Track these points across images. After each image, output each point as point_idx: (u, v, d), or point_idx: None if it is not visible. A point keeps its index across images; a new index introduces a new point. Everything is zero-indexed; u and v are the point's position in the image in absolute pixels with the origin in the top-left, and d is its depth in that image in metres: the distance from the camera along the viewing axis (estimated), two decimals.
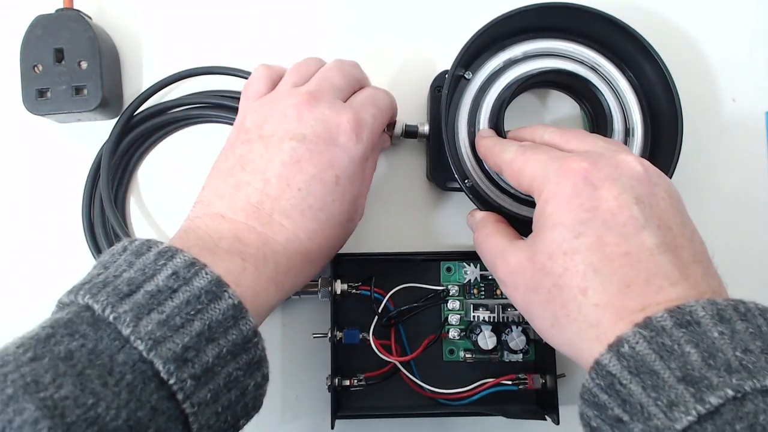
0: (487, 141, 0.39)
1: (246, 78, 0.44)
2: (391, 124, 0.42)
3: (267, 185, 0.33)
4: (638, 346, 0.26)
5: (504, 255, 0.33)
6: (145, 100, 0.45)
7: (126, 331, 0.25)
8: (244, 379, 0.28)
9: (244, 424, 0.30)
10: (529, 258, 0.31)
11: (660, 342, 0.26)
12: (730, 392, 0.23)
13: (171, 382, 0.25)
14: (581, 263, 0.29)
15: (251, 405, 0.29)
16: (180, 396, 0.25)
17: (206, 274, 0.28)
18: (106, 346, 0.25)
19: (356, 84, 0.39)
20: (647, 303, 0.27)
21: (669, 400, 0.24)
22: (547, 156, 0.32)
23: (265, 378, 0.30)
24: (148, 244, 0.29)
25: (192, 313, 0.27)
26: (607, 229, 0.29)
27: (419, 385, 0.41)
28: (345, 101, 0.37)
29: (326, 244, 0.35)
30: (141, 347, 0.25)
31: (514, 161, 0.34)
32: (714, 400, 0.23)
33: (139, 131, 0.45)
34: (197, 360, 0.26)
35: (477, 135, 0.40)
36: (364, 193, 0.38)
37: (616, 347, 0.27)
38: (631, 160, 0.31)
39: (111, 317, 0.26)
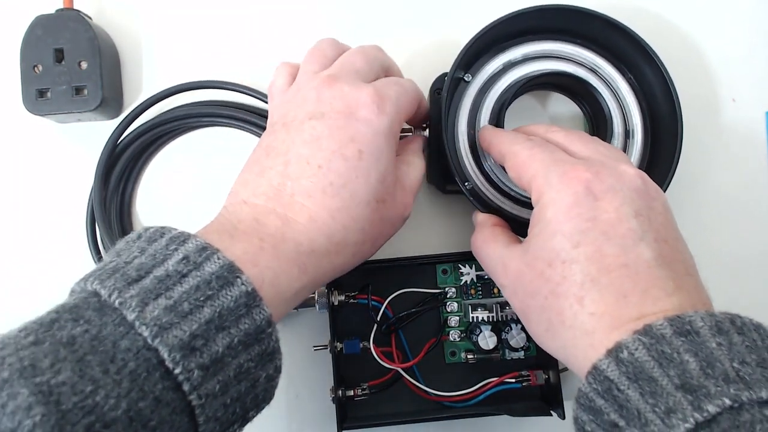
0: (494, 130, 0.39)
1: (246, 93, 0.45)
2: (419, 120, 0.41)
3: (288, 166, 0.32)
4: (637, 352, 0.26)
5: (503, 261, 0.34)
6: (135, 119, 0.45)
7: (131, 317, 0.24)
8: (256, 371, 0.27)
9: (253, 416, 0.29)
10: (528, 264, 0.32)
11: (659, 349, 0.26)
12: (728, 401, 0.23)
13: (177, 371, 0.24)
14: (579, 273, 0.29)
15: (261, 397, 0.28)
16: (186, 387, 0.24)
17: (218, 258, 0.27)
18: (109, 332, 0.24)
19: (380, 68, 0.37)
20: (644, 312, 0.28)
21: (667, 407, 0.24)
22: (551, 158, 0.32)
23: (278, 370, 0.29)
24: (162, 231, 0.28)
25: (202, 299, 0.25)
26: (606, 240, 0.29)
27: (423, 389, 0.41)
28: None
29: (354, 225, 0.32)
30: (146, 333, 0.24)
31: (519, 153, 0.34)
32: (712, 409, 0.23)
33: (141, 140, 0.45)
34: (206, 349, 0.25)
35: (481, 128, 0.40)
36: (407, 183, 0.36)
37: (615, 353, 0.27)
38: (632, 173, 0.31)
39: (117, 302, 0.25)
